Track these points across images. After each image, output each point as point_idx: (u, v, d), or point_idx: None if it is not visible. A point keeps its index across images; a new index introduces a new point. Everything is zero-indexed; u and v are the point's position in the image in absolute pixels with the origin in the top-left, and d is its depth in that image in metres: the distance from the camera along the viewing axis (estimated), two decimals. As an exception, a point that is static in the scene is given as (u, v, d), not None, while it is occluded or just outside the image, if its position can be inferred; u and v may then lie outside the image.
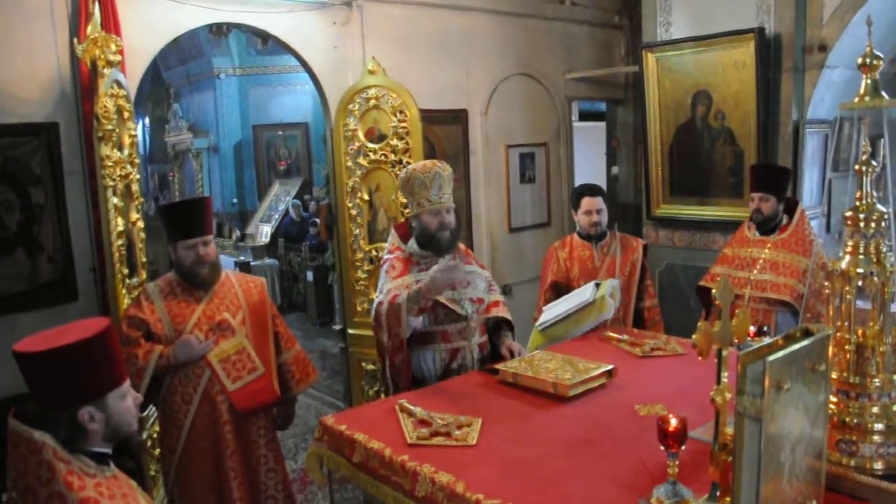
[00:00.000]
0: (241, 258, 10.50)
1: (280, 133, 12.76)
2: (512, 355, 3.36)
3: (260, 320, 3.39)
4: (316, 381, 3.73)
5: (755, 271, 4.14)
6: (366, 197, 5.11)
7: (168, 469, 3.28)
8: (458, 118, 6.07)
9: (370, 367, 5.11)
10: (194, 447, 3.20)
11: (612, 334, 3.76)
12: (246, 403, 3.22)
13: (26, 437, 1.72)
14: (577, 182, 6.50)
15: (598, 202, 4.25)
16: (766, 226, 4.20)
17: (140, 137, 11.32)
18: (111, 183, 3.63)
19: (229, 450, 3.22)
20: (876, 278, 2.08)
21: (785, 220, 4.19)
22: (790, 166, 5.09)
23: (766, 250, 4.15)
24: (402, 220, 4.64)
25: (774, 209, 4.15)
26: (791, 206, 4.23)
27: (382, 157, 5.04)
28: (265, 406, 3.33)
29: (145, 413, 3.85)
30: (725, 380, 1.83)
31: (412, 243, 3.45)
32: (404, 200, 4.61)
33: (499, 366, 3.15)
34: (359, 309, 5.19)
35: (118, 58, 3.79)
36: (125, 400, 1.91)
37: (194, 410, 3.18)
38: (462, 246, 3.58)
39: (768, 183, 4.16)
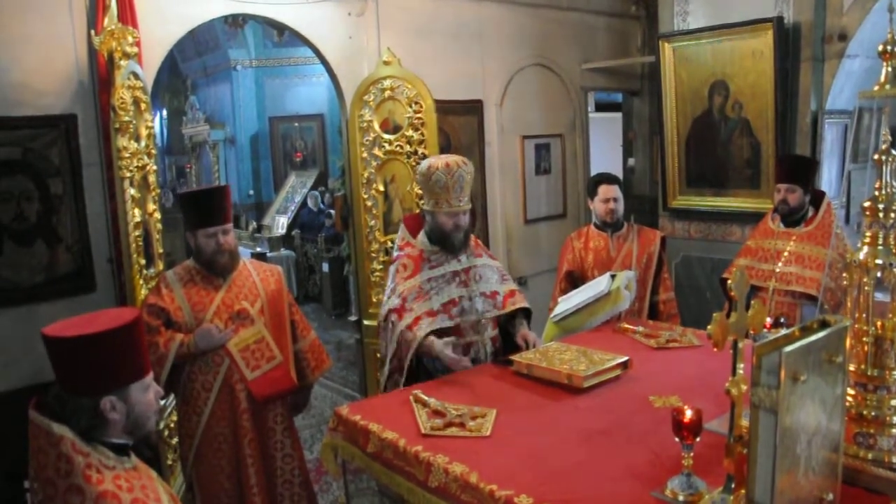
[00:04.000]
0: (258, 249, 10.55)
1: (296, 124, 12.79)
2: (527, 344, 3.36)
3: (277, 309, 3.43)
4: (330, 367, 3.77)
5: (780, 264, 4.09)
6: (381, 188, 5.11)
7: (186, 454, 3.33)
8: (473, 109, 6.05)
9: (385, 357, 5.13)
10: (213, 433, 3.25)
11: (627, 326, 3.75)
12: (264, 392, 3.27)
13: (45, 429, 1.73)
14: (593, 173, 6.48)
15: (615, 190, 4.26)
16: (792, 217, 4.14)
17: (157, 129, 11.42)
18: (128, 174, 3.65)
19: (247, 437, 3.26)
20: (895, 269, 2.05)
21: (811, 212, 4.14)
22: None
23: (792, 242, 4.10)
24: (417, 210, 4.63)
25: (801, 200, 4.09)
26: (817, 198, 4.17)
27: (398, 148, 5.04)
28: (283, 394, 3.37)
29: (164, 403, 3.89)
30: (741, 371, 1.82)
31: (422, 237, 3.45)
32: (421, 192, 4.61)
33: (513, 357, 3.15)
34: (374, 300, 5.20)
35: (135, 49, 3.81)
36: (147, 393, 1.91)
37: (213, 398, 3.23)
38: (473, 237, 3.57)
39: (795, 174, 4.10)
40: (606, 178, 4.31)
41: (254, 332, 3.30)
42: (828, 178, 5.30)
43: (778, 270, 4.08)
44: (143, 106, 3.92)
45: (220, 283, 3.32)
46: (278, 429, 3.38)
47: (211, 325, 3.20)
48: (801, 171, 4.14)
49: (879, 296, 2.11)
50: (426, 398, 2.78)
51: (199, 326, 3.20)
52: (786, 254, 4.09)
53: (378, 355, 5.13)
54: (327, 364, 3.70)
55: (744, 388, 1.81)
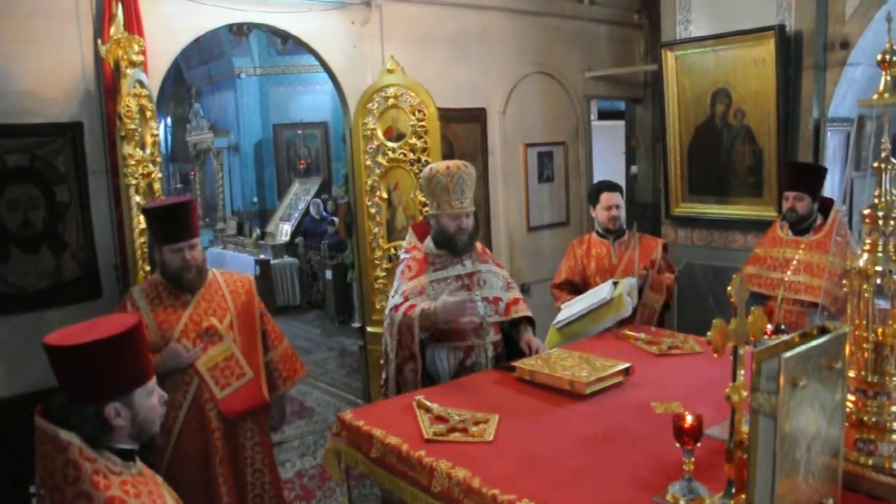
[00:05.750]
0: (262, 256, 10.57)
1: (300, 132, 12.82)
2: (530, 349, 3.37)
3: (248, 322, 3.33)
4: (304, 377, 3.66)
5: (789, 272, 4.05)
6: (384, 195, 5.14)
7: (157, 473, 3.24)
8: (476, 117, 6.09)
9: (388, 364, 5.14)
10: (183, 452, 3.15)
11: (629, 332, 3.76)
12: (234, 409, 3.18)
13: (52, 435, 1.74)
14: (595, 181, 6.50)
15: (617, 197, 4.27)
16: (800, 226, 4.10)
17: (162, 136, 11.41)
18: (133, 181, 3.68)
19: (218, 456, 3.17)
20: (895, 276, 2.06)
21: (819, 220, 4.10)
22: (810, 165, 5.04)
23: (800, 251, 4.06)
24: (422, 218, 4.66)
25: (809, 208, 4.05)
26: (826, 206, 4.13)
27: (401, 156, 5.07)
28: (253, 411, 3.28)
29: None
30: (741, 378, 1.83)
31: (429, 242, 3.48)
32: (424, 199, 4.64)
33: (516, 363, 3.17)
34: (377, 307, 5.22)
35: (141, 58, 3.85)
36: (151, 397, 1.91)
37: (183, 416, 3.13)
38: (479, 244, 3.59)
39: (803, 181, 4.06)
40: (608, 186, 4.33)
41: (222, 350, 3.19)
42: (830, 187, 5.30)
43: (786, 279, 4.05)
44: (148, 114, 3.95)
45: (188, 300, 3.18)
46: (248, 444, 3.28)
47: (178, 344, 3.08)
48: (809, 178, 4.10)
49: (881, 303, 2.12)
50: (429, 403, 2.79)
51: (166, 345, 3.09)
52: (794, 262, 4.06)
53: (382, 361, 5.19)
54: (301, 373, 3.58)
55: (744, 394, 1.82)
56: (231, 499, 3.21)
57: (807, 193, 4.04)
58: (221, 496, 3.18)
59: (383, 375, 3.47)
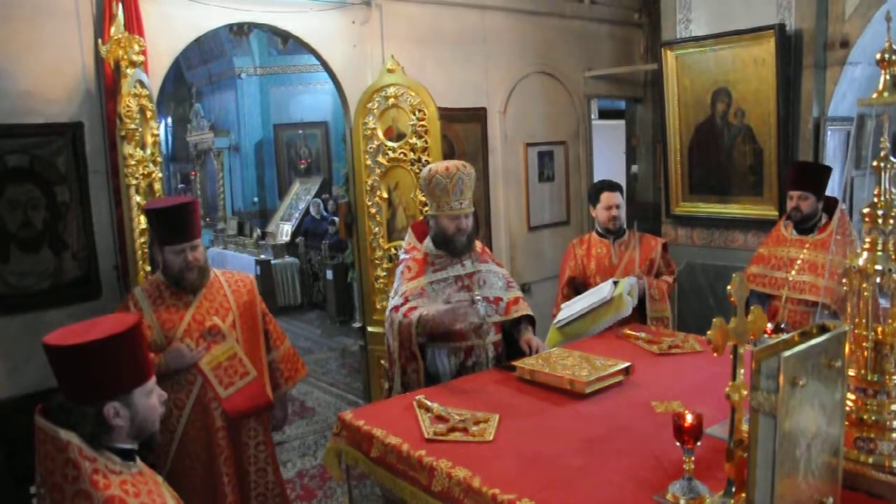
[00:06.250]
0: (262, 256, 10.58)
1: (300, 132, 12.82)
2: (530, 349, 3.37)
3: (251, 321, 3.33)
4: (305, 376, 3.66)
5: (793, 272, 4.05)
6: (385, 195, 5.14)
7: (161, 472, 3.25)
8: (476, 116, 6.09)
9: (389, 364, 5.14)
10: (187, 452, 3.16)
11: (629, 332, 3.76)
12: (238, 408, 3.18)
13: (52, 435, 1.74)
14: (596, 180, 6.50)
15: (617, 197, 4.26)
16: (805, 225, 4.10)
17: (162, 137, 11.42)
18: (134, 181, 3.69)
19: (223, 455, 3.17)
20: (894, 275, 2.06)
21: (824, 220, 4.09)
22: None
23: (805, 250, 4.06)
24: (422, 217, 4.67)
25: (814, 208, 4.05)
26: (830, 205, 4.12)
27: (402, 156, 5.07)
28: (257, 410, 3.28)
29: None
30: (741, 376, 1.83)
31: (428, 242, 3.48)
32: (424, 198, 4.65)
33: (516, 363, 3.17)
34: (378, 307, 5.22)
35: (141, 58, 3.85)
36: (151, 397, 1.92)
37: (187, 416, 3.13)
38: (479, 244, 3.59)
39: (808, 181, 4.05)
40: (608, 186, 4.32)
41: (226, 349, 3.19)
42: (830, 186, 5.29)
43: (791, 279, 4.04)
44: (148, 114, 3.95)
45: (190, 300, 3.17)
46: (251, 443, 3.29)
47: (181, 344, 3.08)
48: (814, 177, 4.09)
49: (884, 302, 2.12)
50: (429, 403, 2.79)
51: (169, 345, 3.08)
52: (799, 262, 4.05)
53: (382, 362, 5.19)
54: (302, 373, 3.59)
55: (744, 392, 1.82)
56: (235, 497, 3.22)
57: (812, 193, 4.04)
58: (226, 495, 3.19)
59: (389, 376, 3.47)
